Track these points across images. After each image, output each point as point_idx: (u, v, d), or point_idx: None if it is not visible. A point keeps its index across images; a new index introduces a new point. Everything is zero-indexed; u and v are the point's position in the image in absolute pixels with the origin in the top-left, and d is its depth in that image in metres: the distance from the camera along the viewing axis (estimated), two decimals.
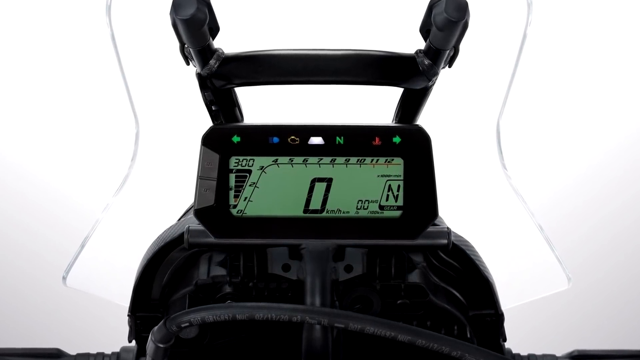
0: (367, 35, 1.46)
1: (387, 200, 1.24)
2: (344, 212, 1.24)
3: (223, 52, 1.23)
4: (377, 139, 1.23)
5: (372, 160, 1.23)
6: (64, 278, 1.38)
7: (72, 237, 1.57)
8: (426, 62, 1.22)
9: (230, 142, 1.23)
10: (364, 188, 1.24)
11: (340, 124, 1.23)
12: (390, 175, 1.24)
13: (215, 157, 1.23)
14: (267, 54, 1.24)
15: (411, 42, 1.23)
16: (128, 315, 1.34)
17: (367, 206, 1.24)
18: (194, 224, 1.26)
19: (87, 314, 2.59)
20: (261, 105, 1.39)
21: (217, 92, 1.25)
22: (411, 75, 1.23)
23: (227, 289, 1.31)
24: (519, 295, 1.44)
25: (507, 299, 1.37)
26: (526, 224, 1.39)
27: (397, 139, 1.23)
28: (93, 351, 1.37)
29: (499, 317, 1.34)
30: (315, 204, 1.24)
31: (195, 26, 1.15)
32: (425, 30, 1.20)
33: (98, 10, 1.31)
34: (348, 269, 1.28)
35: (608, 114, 2.90)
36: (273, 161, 1.23)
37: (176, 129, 1.47)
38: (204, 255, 1.33)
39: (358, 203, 1.24)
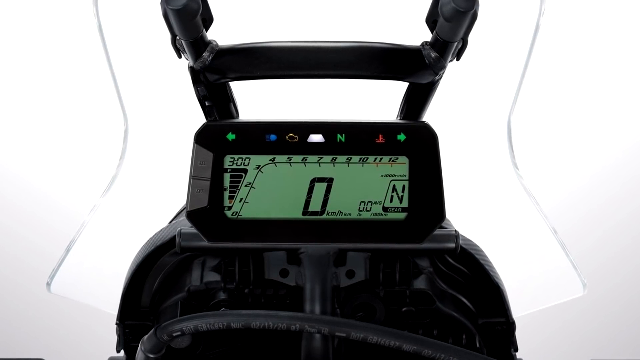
0: (370, 26, 1.46)
1: (391, 201, 1.24)
2: (345, 214, 1.24)
3: (217, 44, 1.23)
4: (380, 136, 1.23)
5: (376, 159, 1.23)
6: (49, 284, 1.38)
7: (56, 241, 1.58)
8: (433, 55, 1.22)
9: (224, 140, 1.23)
10: (367, 188, 1.24)
11: (341, 121, 1.23)
12: (394, 175, 1.24)
13: (208, 156, 1.23)
14: (264, 46, 1.24)
15: (417, 34, 1.23)
16: (116, 324, 1.34)
17: (370, 208, 1.24)
18: (186, 226, 1.26)
19: (73, 322, 2.59)
20: (258, 100, 1.39)
21: (210, 87, 1.25)
22: (417, 68, 1.23)
23: (222, 295, 1.31)
24: (531, 303, 1.44)
25: (519, 307, 1.37)
26: (539, 227, 1.39)
27: (401, 137, 1.23)
28: None
29: (510, 325, 1.34)
30: (315, 205, 1.24)
31: (187, 16, 1.15)
32: (431, 21, 1.20)
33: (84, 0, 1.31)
34: (350, 274, 1.29)
35: (626, 110, 2.90)
36: (270, 160, 1.23)
37: (167, 126, 1.47)
38: (197, 260, 1.34)
39: (360, 204, 1.24)
